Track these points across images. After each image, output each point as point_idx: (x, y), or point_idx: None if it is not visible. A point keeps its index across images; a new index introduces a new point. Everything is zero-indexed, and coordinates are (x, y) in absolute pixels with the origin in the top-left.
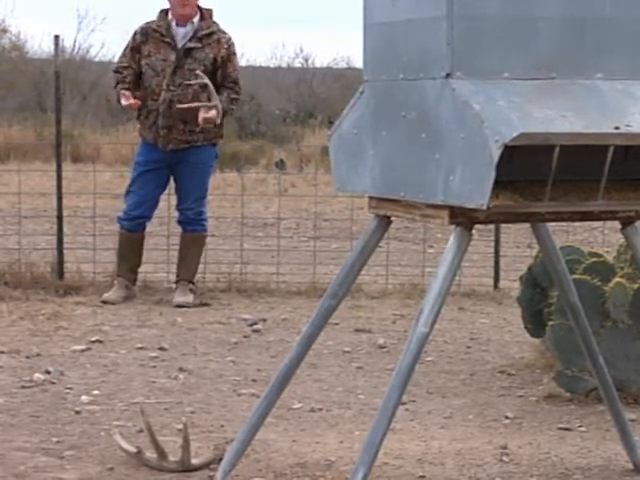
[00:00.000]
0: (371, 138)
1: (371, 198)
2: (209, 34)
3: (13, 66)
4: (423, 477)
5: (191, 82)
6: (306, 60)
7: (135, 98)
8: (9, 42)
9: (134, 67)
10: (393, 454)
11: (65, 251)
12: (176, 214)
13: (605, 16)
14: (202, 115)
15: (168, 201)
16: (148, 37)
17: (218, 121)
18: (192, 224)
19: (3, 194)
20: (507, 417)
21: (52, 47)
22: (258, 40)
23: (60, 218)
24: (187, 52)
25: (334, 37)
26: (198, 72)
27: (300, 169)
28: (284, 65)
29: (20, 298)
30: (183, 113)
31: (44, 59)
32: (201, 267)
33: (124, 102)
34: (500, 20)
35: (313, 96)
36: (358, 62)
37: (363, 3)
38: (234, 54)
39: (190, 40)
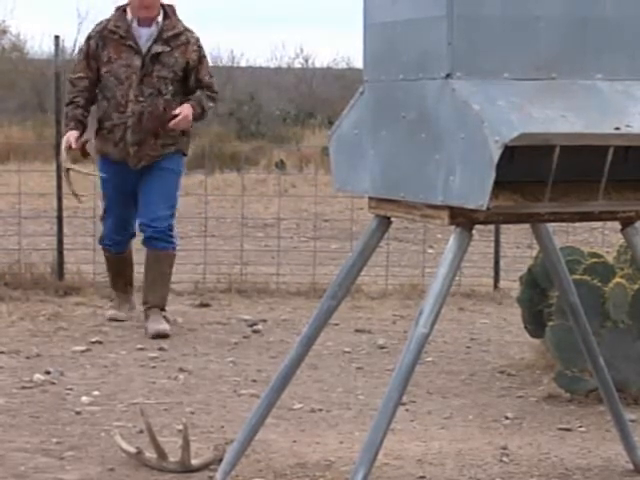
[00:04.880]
0: (371, 138)
1: (371, 198)
2: (176, 35)
3: (13, 66)
4: (423, 477)
5: None
6: (306, 60)
7: (83, 146)
8: (9, 42)
9: (90, 76)
10: (393, 454)
11: (65, 252)
12: (139, 232)
13: (605, 16)
14: (176, 120)
15: None
16: (106, 40)
17: (190, 117)
18: (163, 240)
19: (3, 194)
20: (507, 417)
21: (52, 47)
22: (258, 40)
23: (60, 219)
24: (154, 57)
25: (334, 37)
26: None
27: (300, 169)
28: (284, 65)
29: (20, 299)
30: (155, 125)
31: (44, 59)
32: (201, 267)
33: (64, 144)
34: (500, 20)
35: (313, 96)
36: (358, 62)
37: (363, 3)
38: (204, 56)
39: (155, 42)
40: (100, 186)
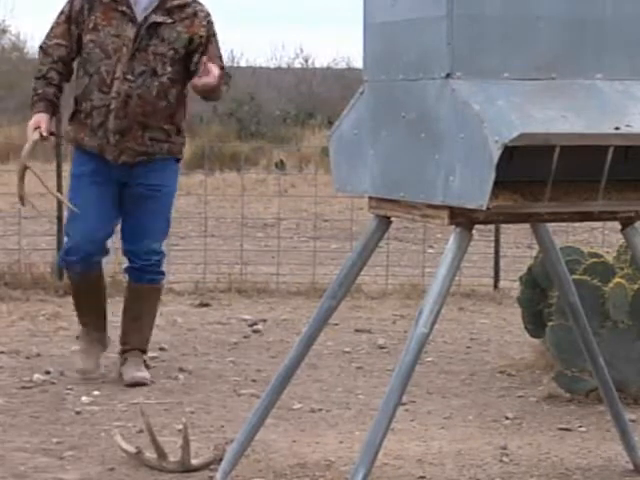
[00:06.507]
0: (371, 138)
1: (371, 198)
2: (181, 6)
3: (13, 66)
4: (423, 477)
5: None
6: (306, 60)
7: (51, 133)
8: (9, 42)
9: (69, 45)
10: (393, 454)
11: None
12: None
13: (605, 16)
14: (206, 78)
15: None
16: (94, 3)
17: (218, 76)
18: (152, 272)
19: (3, 194)
20: (507, 417)
21: None
22: (258, 40)
23: (60, 219)
24: (151, 28)
25: (334, 37)
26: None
27: (300, 169)
28: (284, 65)
29: (20, 299)
30: (144, 112)
31: None
32: (201, 267)
33: (32, 131)
34: (500, 20)
35: (313, 96)
36: (358, 62)
37: (363, 3)
38: (214, 35)
39: (155, 12)
40: (70, 182)
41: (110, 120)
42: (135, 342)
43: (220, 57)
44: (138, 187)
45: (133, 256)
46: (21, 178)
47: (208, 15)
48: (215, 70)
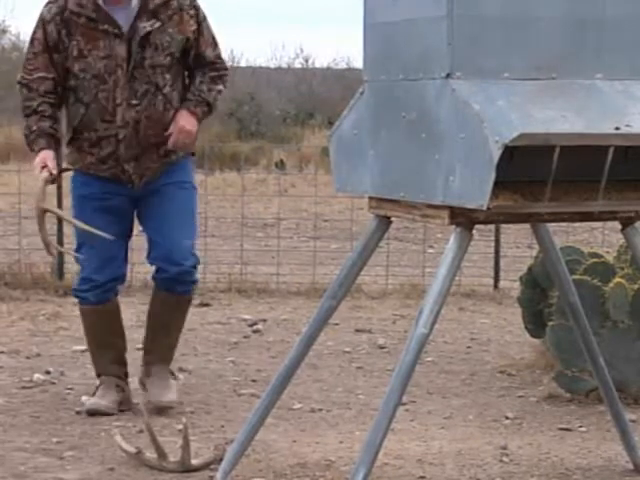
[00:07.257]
0: (371, 138)
1: (371, 198)
2: (164, 3)
3: (13, 66)
4: (423, 477)
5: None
6: (306, 60)
7: (60, 172)
8: (9, 42)
9: (55, 76)
10: (393, 454)
11: None
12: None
13: (605, 16)
14: (173, 138)
15: None
16: (70, 26)
17: (194, 130)
18: (186, 283)
19: (3, 194)
20: (507, 417)
21: None
22: (258, 40)
23: (60, 219)
24: (144, 40)
25: (334, 37)
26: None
27: (300, 169)
28: (284, 65)
29: (20, 298)
30: (156, 132)
31: None
32: (201, 267)
33: (39, 171)
34: (500, 20)
35: (313, 96)
36: (358, 62)
37: (363, 3)
38: (204, 20)
39: (139, 18)
40: (73, 205)
41: (121, 150)
42: (161, 354)
43: (214, 40)
44: (159, 189)
45: (166, 263)
46: (41, 224)
47: (192, 2)
48: (179, 123)
